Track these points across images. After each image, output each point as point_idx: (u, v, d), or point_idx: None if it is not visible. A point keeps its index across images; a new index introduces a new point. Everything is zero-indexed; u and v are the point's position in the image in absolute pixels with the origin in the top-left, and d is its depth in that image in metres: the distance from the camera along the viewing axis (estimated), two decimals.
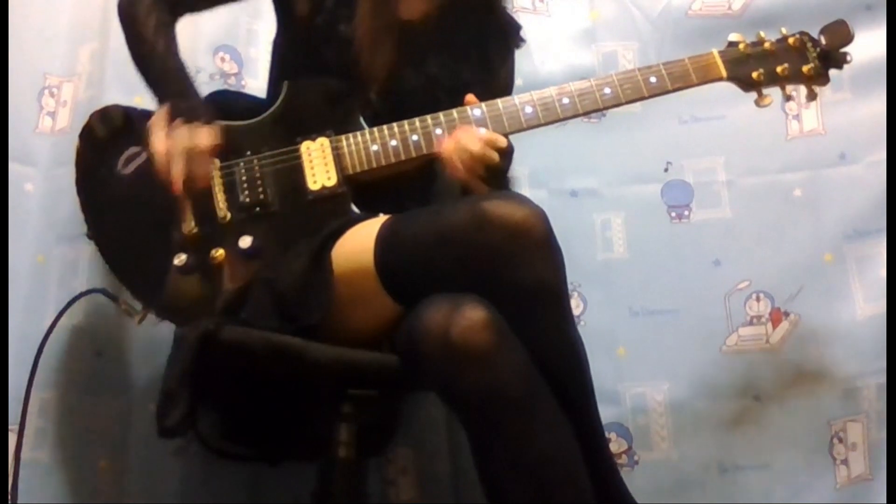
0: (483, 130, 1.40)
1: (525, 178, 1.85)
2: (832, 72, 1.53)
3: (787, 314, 1.78)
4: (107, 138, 1.48)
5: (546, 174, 1.85)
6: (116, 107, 1.52)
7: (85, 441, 1.71)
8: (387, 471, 1.72)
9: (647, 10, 1.91)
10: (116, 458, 1.70)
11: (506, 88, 1.61)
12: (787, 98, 1.55)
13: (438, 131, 1.43)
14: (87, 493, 1.69)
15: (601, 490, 1.23)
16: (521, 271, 1.23)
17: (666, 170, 1.85)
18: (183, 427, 1.22)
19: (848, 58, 1.52)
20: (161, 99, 1.40)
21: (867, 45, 1.82)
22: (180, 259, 1.36)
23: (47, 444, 1.70)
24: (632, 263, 1.82)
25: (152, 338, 1.71)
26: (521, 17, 1.87)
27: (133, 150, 1.46)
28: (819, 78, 1.52)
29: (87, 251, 1.72)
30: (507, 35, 1.62)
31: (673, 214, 1.83)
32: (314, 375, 1.29)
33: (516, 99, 1.45)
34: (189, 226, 1.39)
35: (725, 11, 1.90)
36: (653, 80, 1.47)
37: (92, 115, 1.51)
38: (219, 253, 1.37)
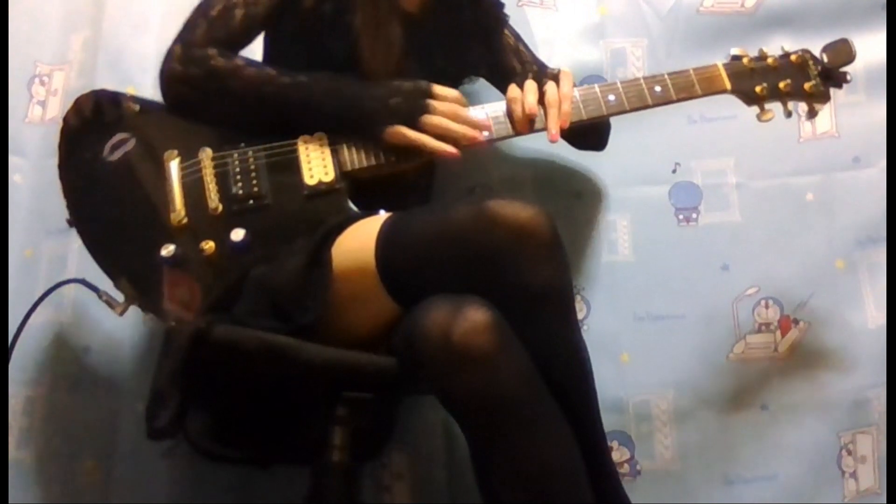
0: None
1: (529, 179, 1.81)
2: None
3: (796, 322, 1.74)
4: (93, 123, 1.44)
5: (550, 175, 1.81)
6: (105, 91, 1.48)
7: (71, 441, 1.67)
8: (381, 476, 1.69)
9: (656, 6, 1.87)
10: (103, 459, 1.66)
11: (512, 68, 1.62)
12: (788, 114, 1.56)
13: None
14: (73, 495, 1.65)
15: (602, 499, 1.21)
16: (526, 273, 1.21)
17: (674, 171, 1.81)
18: (173, 428, 1.20)
19: (848, 77, 1.55)
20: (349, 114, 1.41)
21: (882, 46, 1.78)
22: (168, 250, 1.32)
23: (32, 444, 1.67)
24: (637, 267, 1.78)
25: (142, 334, 1.69)
26: (527, 12, 1.86)
27: (120, 136, 1.42)
28: (820, 96, 1.55)
29: (76, 245, 1.67)
30: (497, 11, 1.64)
31: (680, 217, 1.79)
32: (308, 377, 1.26)
33: None
34: (178, 215, 1.36)
35: (738, 9, 1.85)
36: (657, 89, 1.49)
37: (78, 99, 1.47)
38: (209, 245, 1.34)
